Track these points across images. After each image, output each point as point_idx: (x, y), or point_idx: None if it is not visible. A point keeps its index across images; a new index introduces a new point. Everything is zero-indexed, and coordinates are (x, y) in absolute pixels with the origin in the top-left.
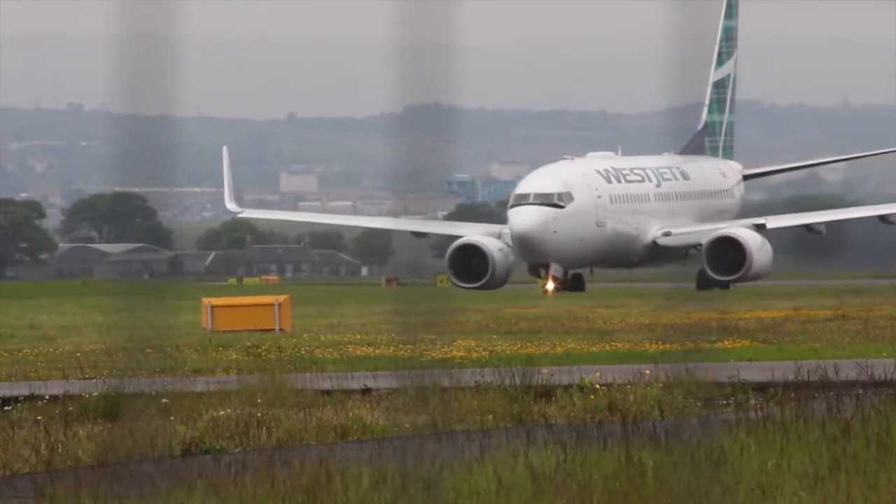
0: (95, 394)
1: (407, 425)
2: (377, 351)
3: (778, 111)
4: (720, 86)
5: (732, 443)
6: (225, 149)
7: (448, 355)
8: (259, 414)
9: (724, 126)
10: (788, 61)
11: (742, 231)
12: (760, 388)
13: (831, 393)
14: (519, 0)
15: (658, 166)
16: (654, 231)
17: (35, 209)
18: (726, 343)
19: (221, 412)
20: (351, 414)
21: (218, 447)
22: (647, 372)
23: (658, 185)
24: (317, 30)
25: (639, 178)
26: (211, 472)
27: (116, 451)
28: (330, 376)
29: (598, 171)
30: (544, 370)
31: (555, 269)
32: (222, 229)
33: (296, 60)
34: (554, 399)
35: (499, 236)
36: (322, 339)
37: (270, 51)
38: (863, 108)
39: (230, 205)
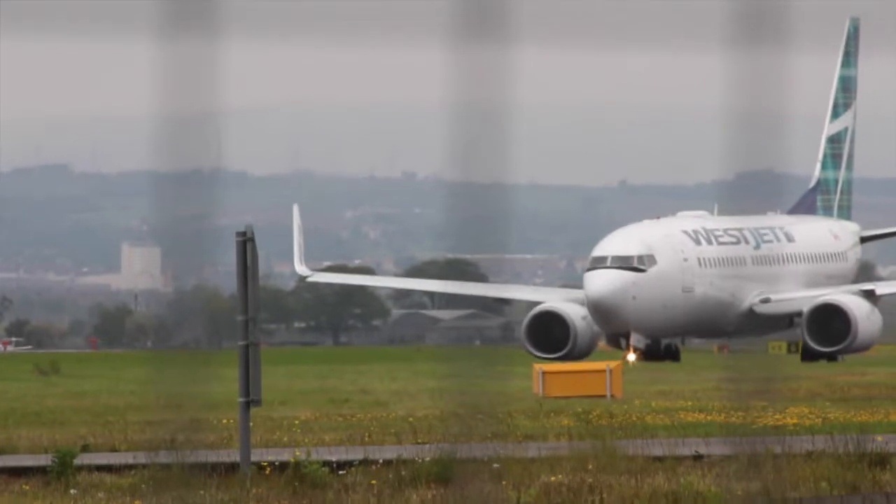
0: (428, 458)
1: (739, 492)
2: (708, 417)
3: None
4: (835, 140)
5: None
6: (296, 207)
7: (780, 422)
8: (590, 480)
9: (840, 184)
10: None
11: (847, 298)
12: None
13: None
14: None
15: (757, 227)
16: (750, 297)
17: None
18: None
19: (553, 478)
20: (682, 480)
21: None
22: None
23: (757, 247)
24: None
25: (734, 240)
26: None
27: None
28: (661, 442)
29: (686, 232)
30: (879, 437)
31: (636, 338)
32: None
33: None
34: (889, 467)
35: (582, 303)
36: (653, 405)
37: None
38: None
39: (299, 268)
